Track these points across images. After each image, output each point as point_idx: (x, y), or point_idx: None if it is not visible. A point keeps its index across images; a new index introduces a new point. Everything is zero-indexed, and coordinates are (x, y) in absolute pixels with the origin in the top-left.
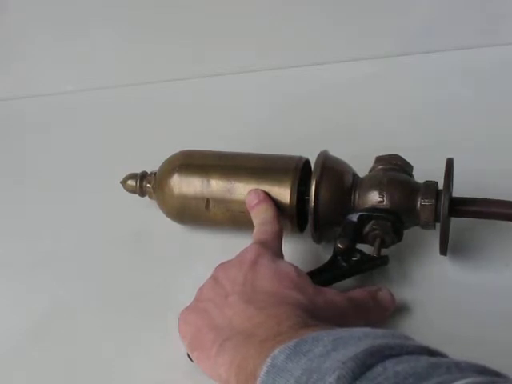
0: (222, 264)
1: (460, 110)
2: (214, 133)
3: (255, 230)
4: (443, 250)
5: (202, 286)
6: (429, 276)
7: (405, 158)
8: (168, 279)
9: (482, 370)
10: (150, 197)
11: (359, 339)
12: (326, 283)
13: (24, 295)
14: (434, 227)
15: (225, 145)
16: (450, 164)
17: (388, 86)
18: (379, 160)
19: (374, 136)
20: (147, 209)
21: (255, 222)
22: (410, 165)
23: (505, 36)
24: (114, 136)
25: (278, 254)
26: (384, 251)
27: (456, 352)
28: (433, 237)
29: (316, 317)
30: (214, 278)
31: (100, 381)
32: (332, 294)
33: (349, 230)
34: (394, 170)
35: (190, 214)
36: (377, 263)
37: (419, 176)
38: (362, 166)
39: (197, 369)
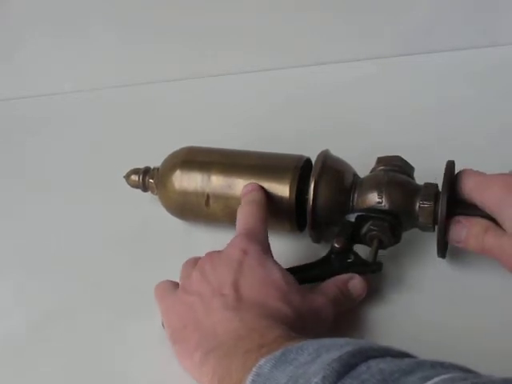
0: (210, 255)
1: (460, 110)
2: (214, 133)
3: (242, 213)
4: (441, 253)
5: (190, 274)
6: (426, 278)
7: (405, 158)
8: (169, 275)
9: (466, 370)
10: (153, 192)
11: (341, 346)
12: (315, 279)
13: (24, 294)
14: (433, 229)
15: (225, 144)
16: (449, 167)
17: (388, 86)
18: (380, 161)
19: (374, 136)
20: (150, 204)
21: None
22: (410, 166)
23: (505, 36)
24: (114, 135)
25: (265, 244)
26: (382, 252)
27: (453, 354)
28: (431, 239)
29: (301, 326)
30: (201, 271)
31: (100, 380)
32: (316, 302)
33: (346, 230)
34: (394, 171)
35: (191, 209)
36: (369, 269)
37: (419, 175)
38: (362, 166)
39: None
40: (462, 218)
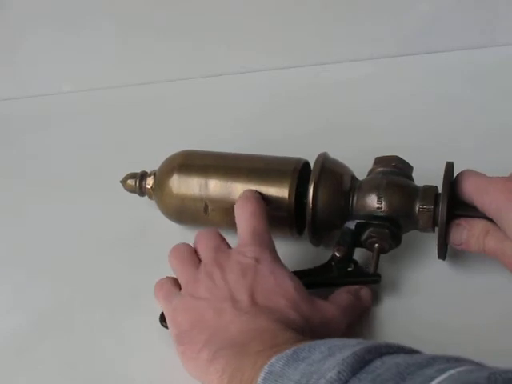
0: (217, 261)
1: (460, 110)
2: (214, 133)
3: (242, 210)
4: (441, 255)
5: (196, 278)
6: (427, 280)
7: (405, 158)
8: None
9: (480, 365)
10: (150, 197)
11: (353, 345)
12: (314, 286)
13: (24, 294)
14: (434, 231)
15: (224, 145)
16: (449, 168)
17: (388, 86)
18: (378, 161)
19: (374, 136)
20: (147, 208)
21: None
22: (409, 165)
23: (504, 36)
24: (114, 136)
25: (273, 247)
26: (382, 255)
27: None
28: (431, 240)
29: (310, 334)
30: (210, 276)
31: (100, 380)
32: (327, 311)
33: (346, 238)
34: (392, 173)
35: (189, 215)
36: (368, 280)
37: (419, 175)
38: (361, 167)
39: None
40: (461, 221)
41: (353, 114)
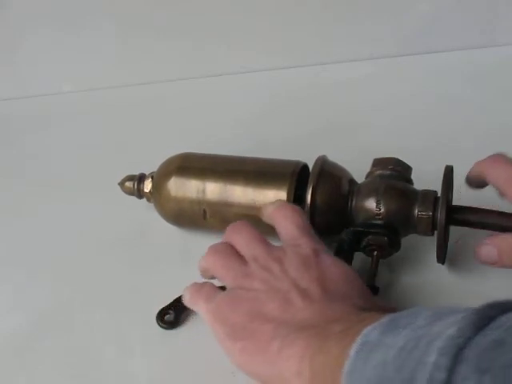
0: (273, 255)
1: (460, 110)
2: (214, 133)
3: (282, 213)
4: (441, 259)
5: (247, 272)
6: (426, 284)
7: (404, 158)
8: (166, 281)
9: None
10: (148, 200)
11: (464, 310)
12: None
13: (24, 294)
14: (433, 234)
15: (224, 145)
16: (448, 172)
17: (388, 86)
18: (377, 164)
19: (374, 136)
20: (147, 208)
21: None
22: (407, 166)
23: (504, 36)
24: (114, 136)
25: (320, 240)
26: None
27: None
28: (431, 243)
29: None
30: (266, 269)
31: (100, 380)
32: (384, 304)
33: (345, 247)
34: (391, 176)
35: (187, 218)
36: None
37: (419, 176)
38: (361, 167)
39: (195, 367)
40: (487, 240)
41: (353, 114)
